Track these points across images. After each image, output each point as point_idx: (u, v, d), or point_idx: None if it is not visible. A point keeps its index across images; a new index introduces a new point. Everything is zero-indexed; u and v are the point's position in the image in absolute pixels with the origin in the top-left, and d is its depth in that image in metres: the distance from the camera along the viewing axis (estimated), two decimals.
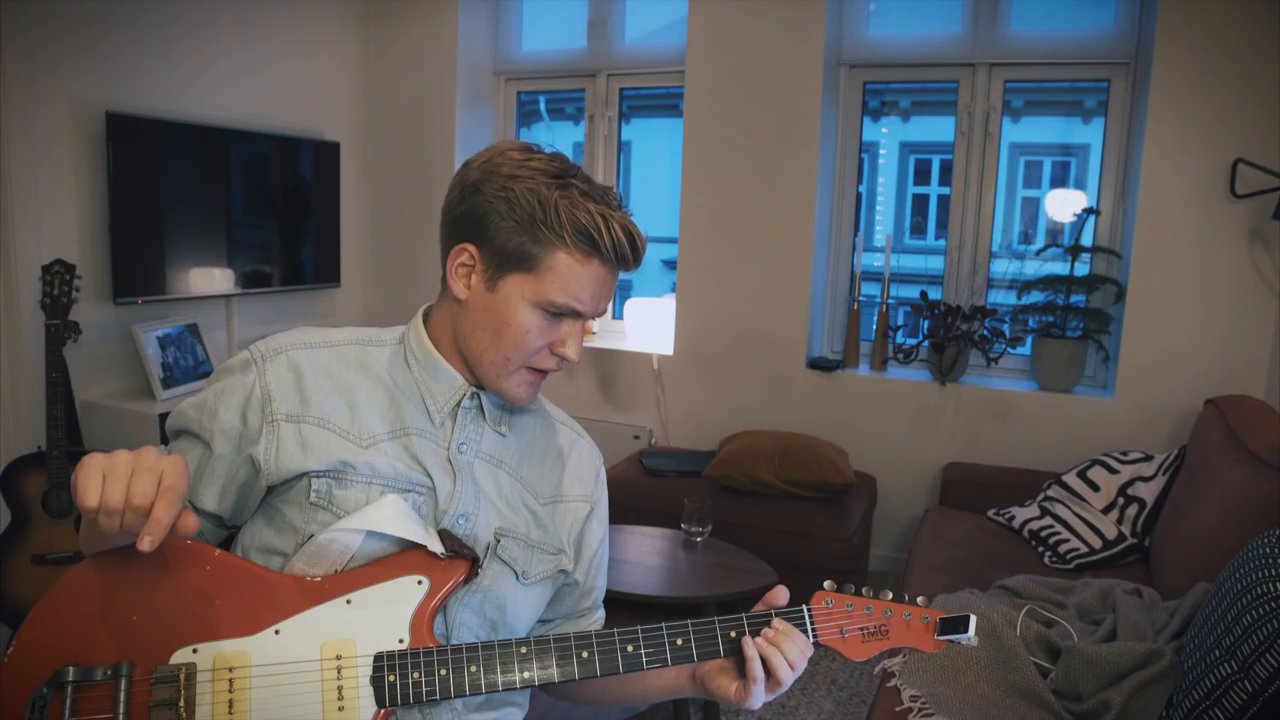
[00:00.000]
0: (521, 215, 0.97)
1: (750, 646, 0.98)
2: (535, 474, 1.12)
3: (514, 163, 0.99)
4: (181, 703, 0.87)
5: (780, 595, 1.03)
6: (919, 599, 1.04)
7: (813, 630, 1.00)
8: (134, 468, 0.80)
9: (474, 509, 1.04)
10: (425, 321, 1.09)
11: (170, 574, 0.92)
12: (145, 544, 0.80)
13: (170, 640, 0.89)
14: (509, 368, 1.02)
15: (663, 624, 0.98)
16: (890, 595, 1.03)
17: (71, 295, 2.54)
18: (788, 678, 0.98)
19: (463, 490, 1.03)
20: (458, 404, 1.06)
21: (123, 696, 0.86)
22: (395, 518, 0.96)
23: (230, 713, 0.88)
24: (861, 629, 1.01)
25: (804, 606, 1.01)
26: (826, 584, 1.03)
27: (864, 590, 1.03)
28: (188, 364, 3.09)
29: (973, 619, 1.01)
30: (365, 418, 1.01)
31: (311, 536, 0.96)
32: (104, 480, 0.79)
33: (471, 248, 1.00)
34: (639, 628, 0.98)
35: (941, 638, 1.01)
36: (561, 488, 1.14)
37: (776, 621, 0.99)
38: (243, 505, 1.02)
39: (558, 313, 1.00)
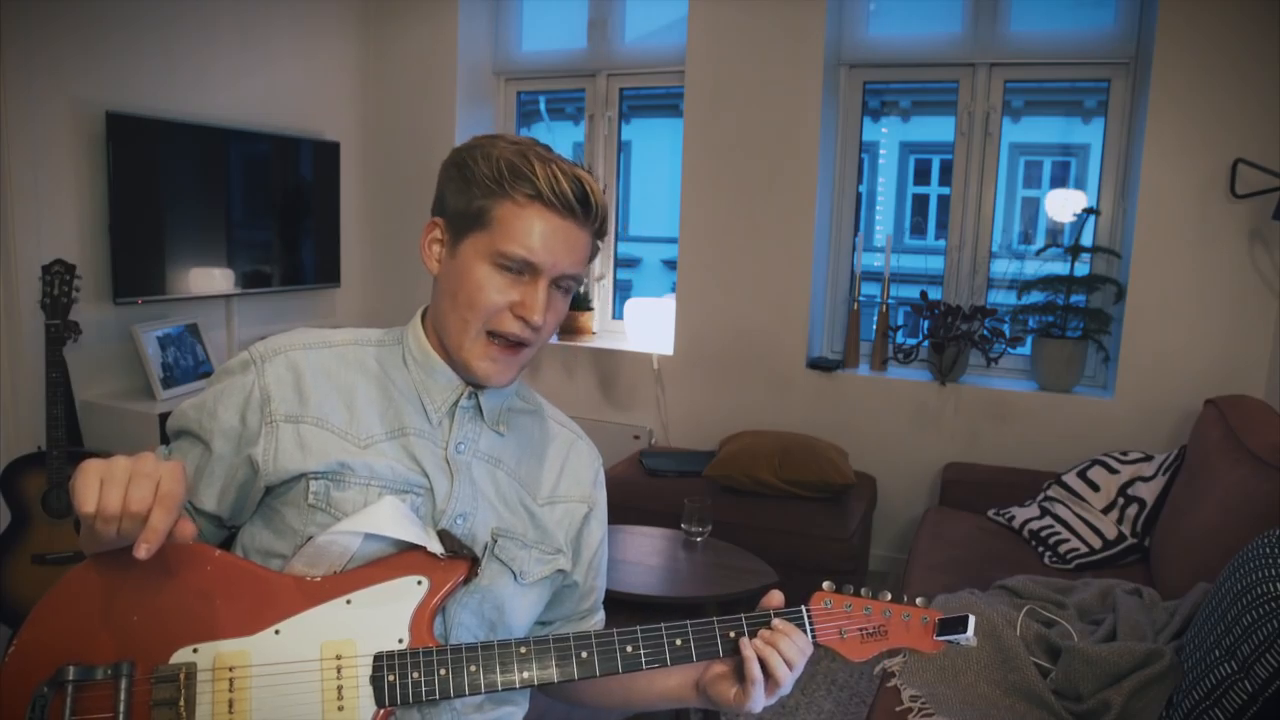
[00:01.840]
0: (471, 176, 0.99)
1: (747, 647, 0.97)
2: (533, 474, 1.12)
3: (477, 142, 1.02)
4: (182, 702, 0.87)
5: (775, 599, 1.03)
6: (918, 599, 1.03)
7: (812, 631, 1.00)
8: (131, 473, 0.80)
9: (471, 509, 1.04)
10: (423, 321, 1.09)
11: (171, 574, 0.92)
12: (142, 551, 0.80)
13: (171, 640, 0.89)
14: (469, 332, 1.00)
15: (662, 624, 0.98)
16: (889, 596, 1.03)
17: (71, 295, 2.54)
18: (786, 677, 0.97)
19: (460, 490, 1.03)
20: (455, 403, 1.06)
21: (123, 696, 0.86)
22: (394, 519, 0.96)
23: (230, 712, 0.88)
24: (860, 629, 1.01)
25: (803, 607, 1.01)
26: (825, 584, 1.02)
27: (863, 591, 1.03)
28: (188, 364, 3.09)
29: (971, 619, 1.01)
30: (363, 418, 1.01)
31: (310, 538, 0.96)
32: (101, 486, 0.79)
33: (439, 221, 1.04)
34: (638, 628, 0.98)
35: (940, 638, 1.01)
36: (559, 488, 1.14)
37: (775, 621, 0.99)
38: (242, 506, 1.03)
39: (515, 268, 0.99)
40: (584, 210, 1.00)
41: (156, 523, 0.80)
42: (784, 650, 0.97)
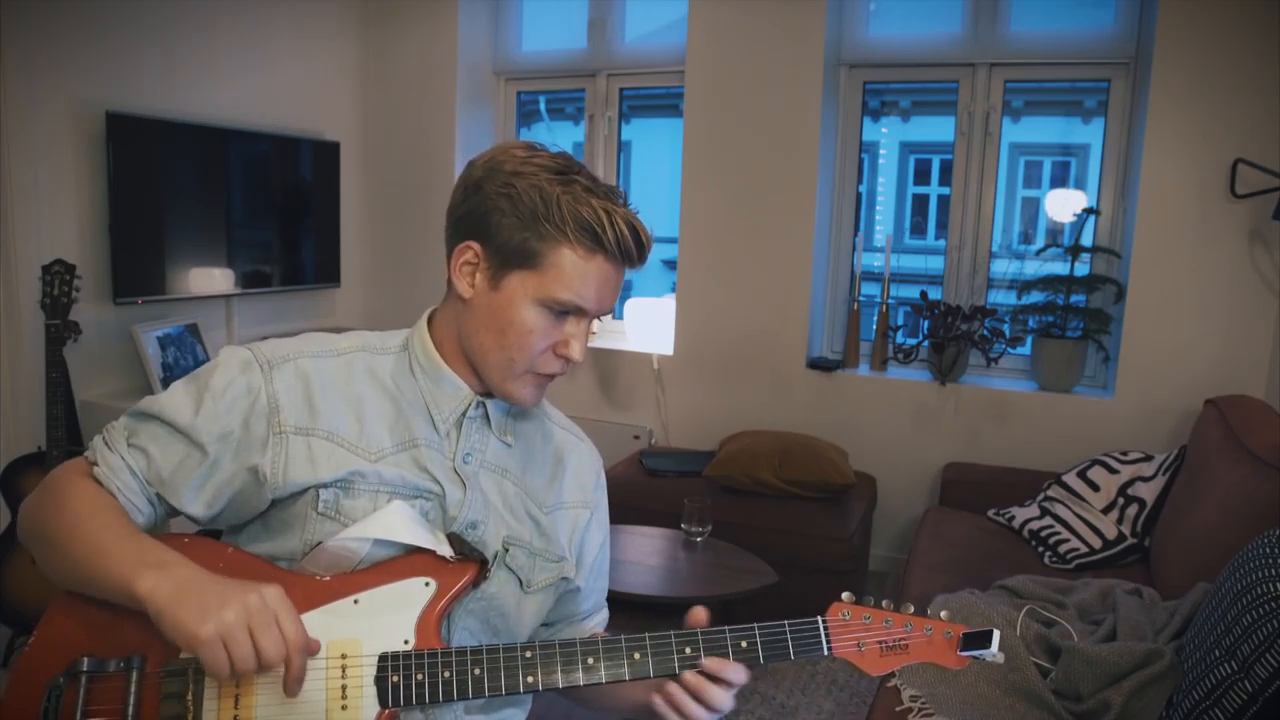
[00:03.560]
0: (524, 212, 0.95)
1: (661, 705, 0.95)
2: (537, 482, 1.12)
3: (517, 160, 0.98)
4: (189, 696, 0.88)
5: (699, 615, 1.00)
6: (943, 613, 1.00)
7: (827, 643, 0.97)
8: (249, 625, 0.83)
9: (483, 517, 1.03)
10: (430, 325, 1.07)
11: None
12: (294, 692, 0.87)
13: None
14: (514, 370, 1.00)
15: (670, 631, 0.97)
16: (912, 608, 0.99)
17: (71, 295, 2.54)
18: (701, 717, 0.95)
19: (472, 499, 1.03)
20: (463, 414, 1.05)
21: (133, 688, 0.87)
22: (403, 523, 0.96)
23: (236, 708, 0.89)
24: (880, 643, 0.97)
25: (818, 618, 0.98)
26: (845, 595, 0.99)
27: (884, 603, 0.99)
28: (188, 364, 3.09)
29: (996, 633, 0.97)
30: (372, 430, 1.00)
31: (319, 544, 0.96)
32: (226, 647, 0.82)
33: (475, 245, 0.99)
34: (646, 635, 0.96)
35: (965, 653, 0.97)
36: (562, 495, 1.14)
37: (706, 662, 0.95)
38: (232, 511, 1.00)
39: (562, 311, 0.98)
40: (639, 258, 1.00)
41: (298, 671, 0.86)
42: (708, 698, 0.95)
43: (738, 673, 0.95)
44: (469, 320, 1.02)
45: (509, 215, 0.96)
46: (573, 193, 0.95)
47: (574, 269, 0.96)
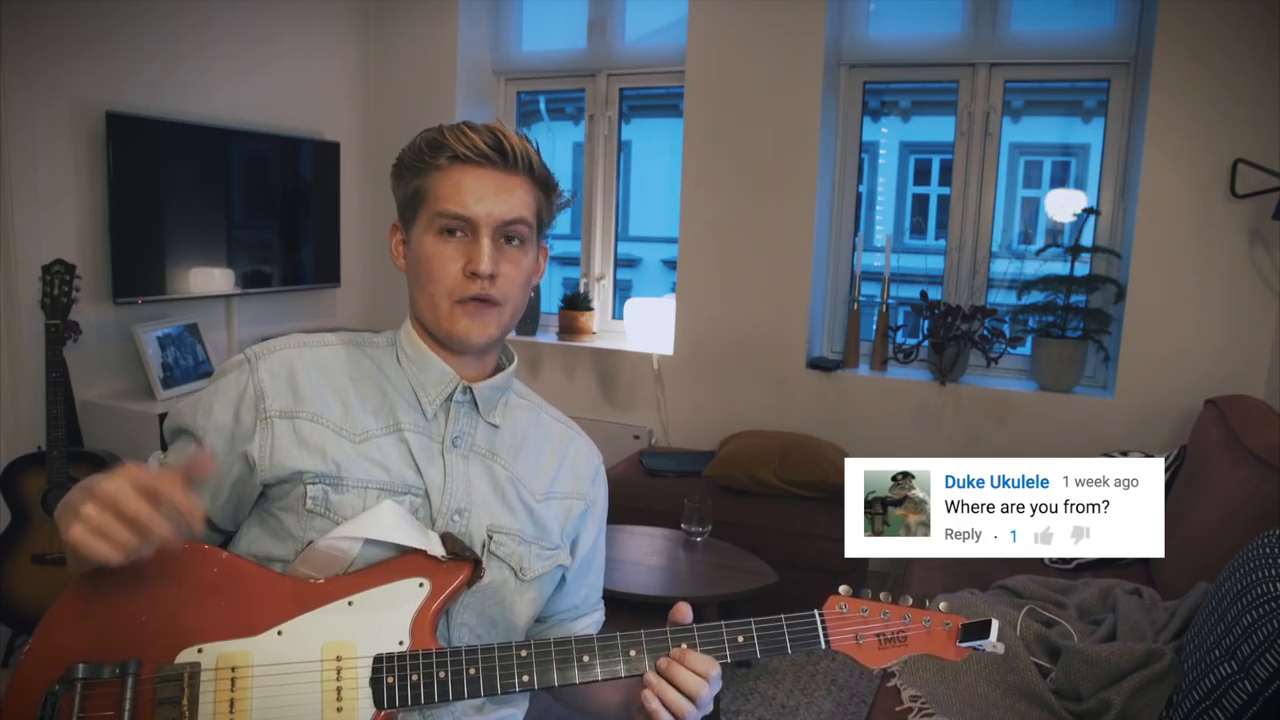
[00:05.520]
0: (403, 168, 1.06)
1: (648, 687, 0.93)
2: (530, 470, 1.12)
3: (408, 143, 1.07)
4: (184, 701, 0.88)
5: (683, 612, 0.99)
6: (941, 604, 0.99)
7: (825, 636, 0.96)
8: (111, 506, 0.81)
9: (467, 504, 1.04)
10: (413, 320, 1.10)
11: (179, 576, 0.93)
12: (198, 527, 0.86)
13: (177, 640, 0.90)
14: (439, 305, 1.03)
15: (667, 629, 0.97)
16: (910, 600, 0.99)
17: (71, 295, 2.54)
18: (684, 707, 0.93)
19: (455, 486, 1.04)
20: (449, 397, 1.06)
21: (128, 694, 0.87)
22: (394, 523, 0.97)
23: (231, 712, 0.89)
24: (879, 635, 0.97)
25: (815, 611, 0.97)
26: (842, 589, 0.98)
27: (881, 595, 0.99)
28: (188, 364, 3.09)
29: (994, 623, 0.96)
30: (358, 414, 1.02)
31: (311, 543, 0.96)
32: (103, 535, 0.81)
33: (395, 223, 1.10)
34: (642, 631, 0.96)
35: (964, 644, 0.96)
36: (556, 485, 1.14)
37: (674, 651, 0.94)
38: (236, 507, 1.03)
39: (456, 231, 1.02)
40: (501, 156, 1.02)
41: (183, 503, 0.83)
42: (680, 682, 0.93)
43: (698, 661, 0.94)
44: (410, 290, 1.08)
45: (397, 180, 1.07)
46: (436, 130, 1.04)
47: (443, 184, 1.02)
